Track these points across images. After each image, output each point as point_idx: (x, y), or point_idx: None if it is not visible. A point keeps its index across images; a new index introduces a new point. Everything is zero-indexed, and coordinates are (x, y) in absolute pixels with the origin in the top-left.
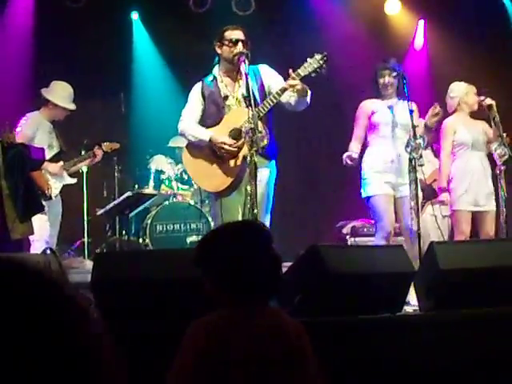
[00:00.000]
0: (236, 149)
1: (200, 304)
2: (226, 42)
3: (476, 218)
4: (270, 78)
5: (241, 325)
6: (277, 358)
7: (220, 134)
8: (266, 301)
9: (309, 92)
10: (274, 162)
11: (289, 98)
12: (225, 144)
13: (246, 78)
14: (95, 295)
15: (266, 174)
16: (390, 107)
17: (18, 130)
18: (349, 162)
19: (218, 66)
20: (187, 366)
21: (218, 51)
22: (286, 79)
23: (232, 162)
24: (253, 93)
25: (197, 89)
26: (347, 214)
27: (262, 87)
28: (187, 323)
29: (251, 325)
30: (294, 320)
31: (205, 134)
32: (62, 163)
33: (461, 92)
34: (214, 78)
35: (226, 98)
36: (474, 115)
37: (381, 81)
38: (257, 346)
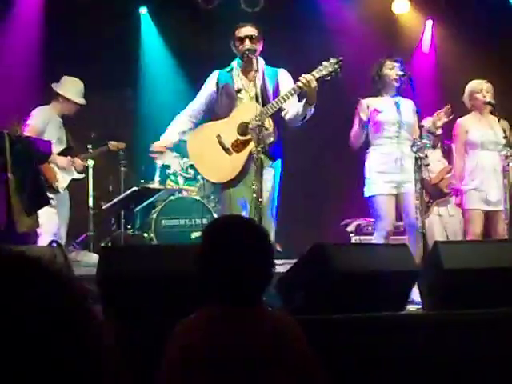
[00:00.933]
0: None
1: (202, 299)
2: (236, 40)
3: (488, 217)
4: (286, 83)
5: (226, 322)
6: (264, 356)
7: (229, 127)
8: (255, 298)
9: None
10: (279, 162)
11: (296, 106)
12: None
13: (259, 74)
14: (100, 289)
15: (271, 173)
16: (397, 104)
17: (28, 122)
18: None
19: (236, 60)
20: (172, 364)
21: (233, 49)
22: (296, 80)
23: (238, 156)
24: (265, 90)
25: (212, 78)
26: (352, 212)
27: (276, 90)
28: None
29: (237, 323)
30: (288, 317)
31: (167, 136)
32: (69, 158)
33: (467, 91)
34: (231, 69)
35: (239, 91)
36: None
37: (390, 72)
38: (242, 344)
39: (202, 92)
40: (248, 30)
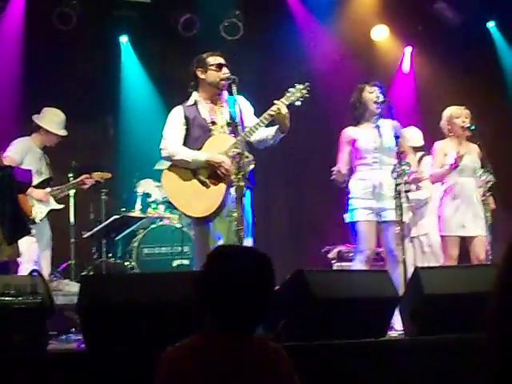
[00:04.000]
0: (233, 169)
1: (186, 328)
2: (213, 67)
3: (465, 242)
4: (248, 109)
5: (223, 350)
6: None
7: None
8: (253, 326)
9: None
10: (250, 187)
11: (267, 132)
12: (224, 163)
13: (227, 103)
14: (81, 318)
15: (247, 198)
16: (378, 129)
17: (6, 153)
18: (337, 177)
19: (196, 92)
20: None
21: (201, 76)
22: (268, 108)
23: (216, 188)
24: (232, 118)
25: (178, 113)
26: (333, 239)
27: (241, 116)
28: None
29: (234, 351)
30: (275, 345)
31: (200, 156)
32: (48, 190)
33: (445, 116)
34: (195, 102)
35: (214, 123)
36: (470, 140)
37: (370, 96)
38: (238, 372)
39: (175, 128)
40: (222, 59)
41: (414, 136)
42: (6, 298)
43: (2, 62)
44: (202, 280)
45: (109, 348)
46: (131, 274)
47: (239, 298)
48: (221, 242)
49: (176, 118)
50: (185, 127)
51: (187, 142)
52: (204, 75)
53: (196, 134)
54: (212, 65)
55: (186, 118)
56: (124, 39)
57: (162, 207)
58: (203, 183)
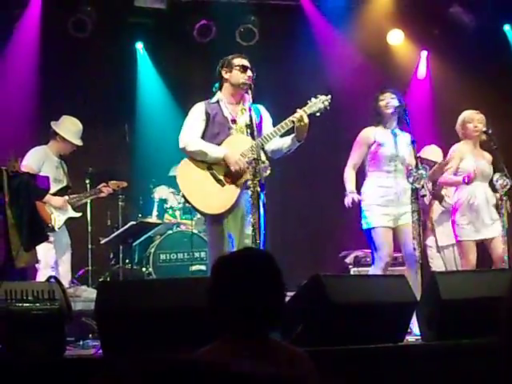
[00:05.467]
0: (250, 173)
1: (203, 333)
2: (237, 68)
3: (483, 246)
4: (268, 120)
5: (241, 357)
6: None
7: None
8: (266, 331)
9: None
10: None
11: (283, 141)
12: (240, 162)
13: (250, 108)
14: (98, 324)
15: (261, 204)
16: (394, 136)
17: (23, 163)
18: (351, 204)
19: (220, 91)
20: None
21: (226, 76)
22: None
23: (231, 187)
24: (252, 123)
25: (200, 107)
26: (350, 244)
27: (260, 124)
28: (189, 352)
29: (252, 357)
30: (298, 349)
31: (219, 151)
32: (66, 198)
33: (460, 120)
34: (218, 100)
35: (234, 121)
36: (482, 145)
37: (382, 103)
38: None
39: (194, 122)
40: (247, 61)
41: (434, 152)
42: (24, 304)
43: (18, 70)
44: (211, 293)
45: (126, 353)
46: (148, 280)
47: (251, 302)
48: (233, 243)
49: (196, 113)
50: (204, 122)
51: (206, 137)
52: (228, 75)
53: (215, 130)
54: (237, 66)
55: (207, 113)
56: (140, 46)
57: (178, 213)
58: (218, 181)
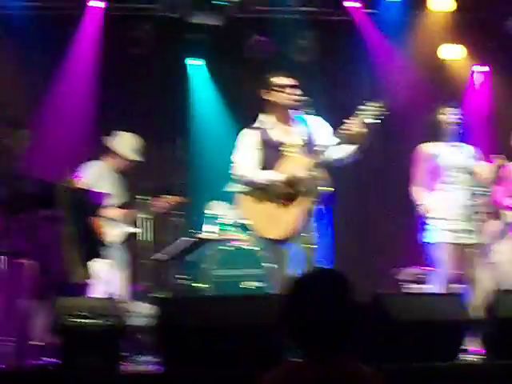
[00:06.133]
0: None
1: (263, 350)
2: (281, 89)
3: None
4: (319, 128)
5: (315, 376)
6: None
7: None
8: (338, 351)
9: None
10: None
11: (344, 150)
12: (300, 182)
13: (294, 124)
14: (158, 339)
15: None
16: (455, 149)
17: (79, 179)
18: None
19: (263, 113)
20: None
21: (265, 97)
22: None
23: (292, 210)
24: (311, 138)
25: (247, 135)
26: (405, 260)
27: (310, 136)
28: (250, 370)
29: (325, 376)
30: (367, 368)
31: (275, 175)
32: (122, 212)
33: None
34: (263, 124)
35: (284, 144)
36: None
37: (443, 117)
38: None
39: (249, 151)
40: (288, 80)
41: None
42: (80, 320)
43: (75, 85)
44: (286, 314)
45: (185, 369)
46: (207, 297)
47: (325, 325)
48: (299, 261)
49: (249, 140)
50: (255, 149)
51: (259, 163)
52: (267, 96)
53: (267, 155)
54: (275, 85)
55: (256, 140)
56: (196, 62)
57: (232, 229)
58: (279, 205)
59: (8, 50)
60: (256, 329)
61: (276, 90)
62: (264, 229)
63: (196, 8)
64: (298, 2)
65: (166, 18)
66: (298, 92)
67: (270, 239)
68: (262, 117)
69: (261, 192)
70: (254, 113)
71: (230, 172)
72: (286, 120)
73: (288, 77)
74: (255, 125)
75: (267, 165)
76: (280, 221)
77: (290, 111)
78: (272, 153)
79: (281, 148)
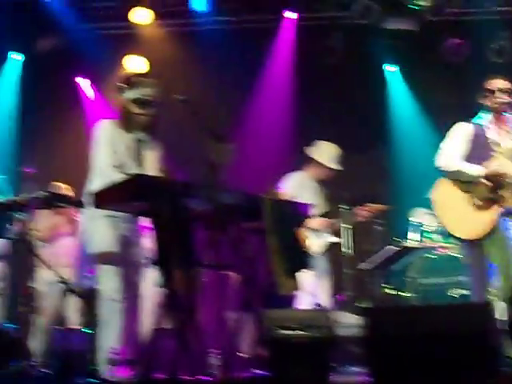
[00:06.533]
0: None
1: (471, 361)
2: (487, 92)
3: None
4: None
5: None
6: None
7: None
8: None
9: None
10: None
11: None
12: (507, 176)
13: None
14: (368, 350)
15: None
16: None
17: (282, 190)
18: None
19: (485, 114)
20: None
21: (483, 102)
22: None
23: (489, 212)
24: None
25: (464, 128)
26: None
27: None
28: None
29: None
30: None
31: (479, 169)
32: (325, 221)
33: None
34: (481, 122)
35: (498, 145)
36: None
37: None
38: None
39: (457, 142)
40: (498, 83)
41: None
42: (289, 332)
43: (273, 96)
44: None
45: (397, 381)
46: (415, 306)
47: None
48: (496, 271)
49: (458, 131)
50: (466, 143)
51: (466, 159)
52: (484, 100)
53: (477, 153)
54: (486, 89)
55: (469, 134)
56: (392, 68)
57: (436, 236)
58: (475, 204)
59: (209, 66)
60: (466, 338)
61: (487, 95)
62: (453, 225)
63: (387, 14)
64: (492, 2)
65: (355, 25)
66: (506, 96)
67: (466, 240)
68: (481, 114)
69: (458, 187)
70: (452, 118)
71: (433, 177)
72: (502, 123)
73: (504, 80)
74: (477, 120)
75: (473, 161)
76: (473, 221)
77: (507, 115)
78: (481, 151)
79: (494, 148)
